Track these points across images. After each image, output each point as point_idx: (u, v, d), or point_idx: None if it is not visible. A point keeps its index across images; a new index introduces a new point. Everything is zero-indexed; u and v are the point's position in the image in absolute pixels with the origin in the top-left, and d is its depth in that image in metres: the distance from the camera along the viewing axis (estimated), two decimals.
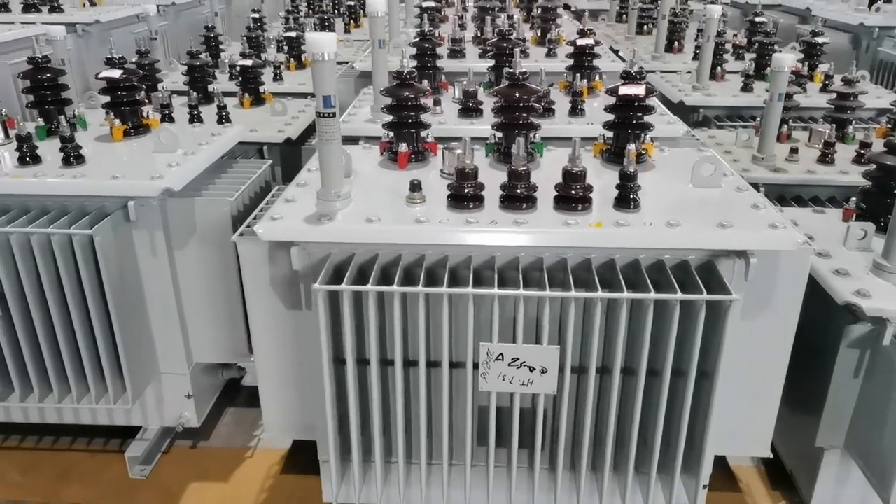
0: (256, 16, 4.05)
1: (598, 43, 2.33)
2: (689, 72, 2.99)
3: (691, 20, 4.23)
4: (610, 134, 1.72)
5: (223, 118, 2.41)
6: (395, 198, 1.48)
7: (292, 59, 3.40)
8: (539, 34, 3.11)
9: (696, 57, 3.48)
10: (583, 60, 2.36)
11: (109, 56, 1.96)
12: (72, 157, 1.69)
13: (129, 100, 1.94)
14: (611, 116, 1.69)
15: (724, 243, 1.34)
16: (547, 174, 1.49)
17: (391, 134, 1.72)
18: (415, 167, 1.69)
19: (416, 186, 1.43)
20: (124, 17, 3.78)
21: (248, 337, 1.89)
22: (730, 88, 2.93)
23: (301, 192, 1.52)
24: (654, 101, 1.79)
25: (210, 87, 2.74)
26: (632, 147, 1.60)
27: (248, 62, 2.73)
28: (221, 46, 3.49)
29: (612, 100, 1.68)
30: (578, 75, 2.15)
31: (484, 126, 2.06)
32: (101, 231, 1.56)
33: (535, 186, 1.41)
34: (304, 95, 2.95)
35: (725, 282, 1.27)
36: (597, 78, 2.41)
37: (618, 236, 1.32)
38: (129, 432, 2.01)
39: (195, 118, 2.41)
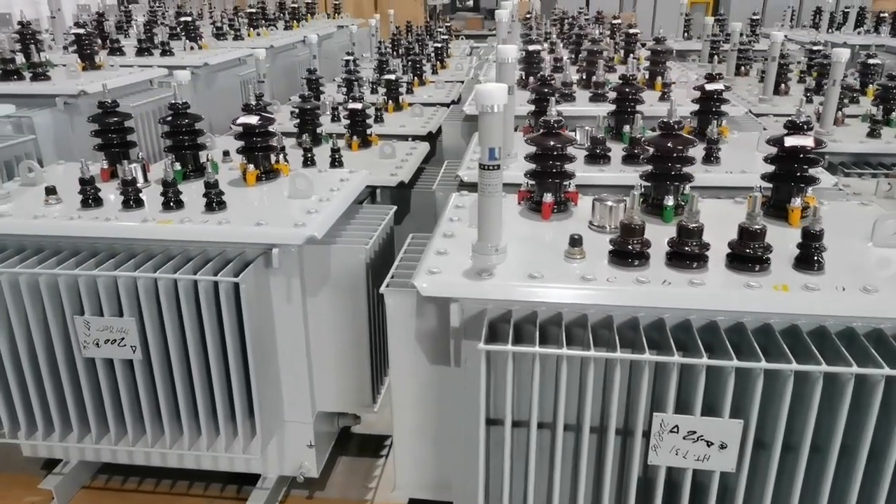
0: (350, 58, 4.14)
1: (727, 87, 2.24)
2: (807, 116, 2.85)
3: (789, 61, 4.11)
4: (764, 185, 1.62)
5: (336, 161, 2.42)
6: (550, 252, 1.41)
7: (390, 101, 3.43)
8: (647, 77, 3.04)
9: (808, 100, 3.35)
10: (710, 105, 2.27)
11: (247, 102, 1.99)
12: (215, 203, 1.70)
13: (263, 145, 1.95)
14: (766, 167, 1.60)
15: None
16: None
17: (531, 182, 1.67)
18: (557, 218, 1.63)
19: (576, 241, 1.37)
20: (229, 60, 3.91)
21: (374, 387, 1.86)
22: (853, 133, 2.78)
23: (450, 244, 1.47)
24: None
25: (318, 130, 2.77)
26: (797, 202, 1.50)
27: (358, 105, 2.75)
28: (322, 88, 3.56)
29: (766, 150, 1.58)
30: (715, 122, 2.06)
31: (613, 174, 2.00)
32: (246, 279, 1.55)
33: (707, 244, 1.32)
34: (405, 137, 2.96)
35: None
36: (723, 123, 2.32)
37: (808, 301, 1.22)
38: (243, 478, 1.98)
39: (309, 161, 2.43)
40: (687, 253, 1.31)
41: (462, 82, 4.21)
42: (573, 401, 1.29)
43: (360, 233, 1.82)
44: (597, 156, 2.05)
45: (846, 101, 3.19)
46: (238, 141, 1.97)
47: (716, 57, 4.91)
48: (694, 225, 1.31)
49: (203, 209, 1.70)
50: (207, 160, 2.03)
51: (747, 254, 1.29)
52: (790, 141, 1.52)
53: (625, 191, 1.92)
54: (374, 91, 3.83)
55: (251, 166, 1.93)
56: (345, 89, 3.58)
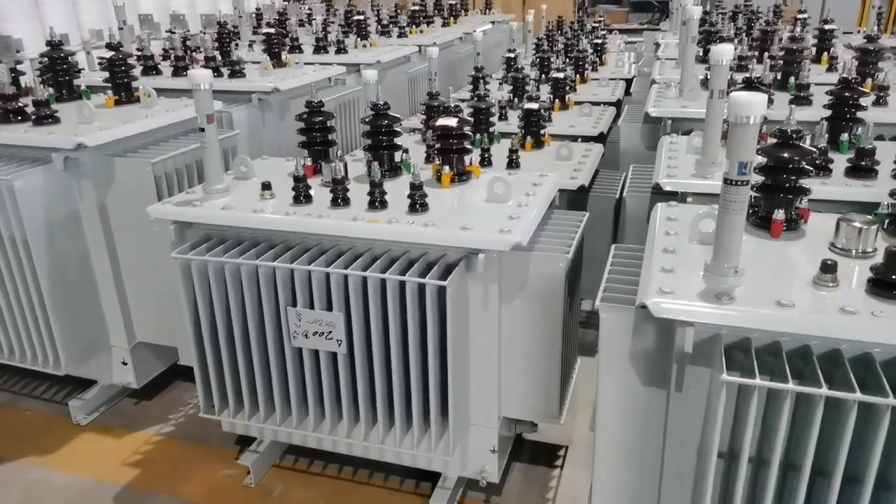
0: (512, 55, 4.10)
1: None
2: None
3: None
4: None
5: (513, 162, 2.38)
6: (791, 276, 1.29)
7: (557, 101, 3.35)
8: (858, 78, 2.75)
9: None
10: None
11: (447, 105, 1.99)
12: (418, 204, 1.71)
13: (459, 147, 1.95)
14: None
15: None
16: None
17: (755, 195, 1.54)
18: (788, 237, 1.49)
19: (829, 268, 1.23)
20: (399, 58, 3.99)
21: (561, 398, 1.81)
22: None
23: (673, 260, 1.38)
24: None
25: (491, 129, 2.75)
26: None
27: (534, 105, 2.70)
28: (486, 87, 3.55)
29: None
30: None
31: (837, 188, 1.81)
32: (452, 283, 1.55)
33: None
34: (574, 138, 2.87)
35: None
36: None
37: None
38: (421, 474, 2.00)
39: (486, 161, 2.41)
40: None
41: (629, 80, 4.05)
42: (823, 444, 1.16)
43: (557, 240, 1.77)
44: (817, 167, 1.86)
45: None
46: (435, 142, 1.97)
47: None
48: None
49: (407, 210, 1.72)
50: (402, 160, 2.07)
51: None
52: None
53: (852, 207, 1.75)
54: (536, 90, 3.77)
55: (446, 168, 1.94)
56: (509, 87, 3.54)
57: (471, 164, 2.03)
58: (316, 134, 2.03)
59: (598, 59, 4.56)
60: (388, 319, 1.61)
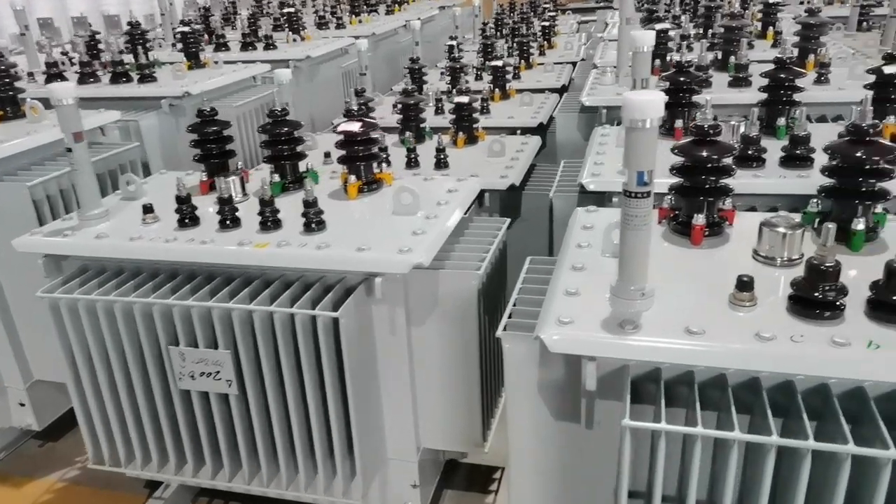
0: (453, 43, 3.92)
1: None
2: None
3: None
4: None
5: (441, 162, 2.23)
6: (707, 293, 1.14)
7: (497, 90, 3.19)
8: (797, 55, 2.62)
9: None
10: (889, 92, 1.87)
11: (349, 108, 1.82)
12: (314, 223, 1.54)
13: (366, 154, 1.78)
14: None
15: None
16: None
17: (672, 199, 1.40)
18: (710, 243, 1.35)
19: (746, 285, 1.09)
20: (332, 51, 3.79)
21: (484, 424, 1.66)
22: None
23: (581, 280, 1.23)
24: None
25: (422, 125, 2.59)
26: None
27: (464, 98, 2.53)
28: (425, 78, 3.38)
29: None
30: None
31: (771, 180, 1.67)
32: (346, 312, 1.39)
33: None
34: (513, 130, 2.72)
35: None
36: None
37: None
38: None
39: (413, 162, 2.25)
40: None
41: (574, 64, 3.88)
42: (745, 485, 1.03)
43: (471, 253, 1.61)
44: (749, 158, 1.73)
45: None
46: (339, 149, 1.80)
47: (865, 24, 4.32)
48: None
49: (301, 229, 1.55)
50: (307, 169, 1.89)
51: None
52: None
53: (789, 200, 1.62)
54: (478, 78, 3.60)
55: (353, 177, 1.77)
56: (449, 78, 3.37)
57: (381, 171, 1.86)
58: (210, 146, 1.85)
59: (545, 42, 4.39)
60: (280, 355, 1.45)
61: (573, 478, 1.27)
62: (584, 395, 1.16)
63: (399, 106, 2.59)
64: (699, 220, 1.32)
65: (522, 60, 3.79)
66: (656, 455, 1.01)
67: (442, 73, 3.72)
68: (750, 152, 1.72)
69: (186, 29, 3.10)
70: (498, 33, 4.89)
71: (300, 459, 1.53)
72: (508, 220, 1.82)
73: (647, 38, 1.65)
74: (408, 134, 2.43)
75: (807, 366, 0.98)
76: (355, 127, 1.74)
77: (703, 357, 1.02)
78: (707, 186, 1.33)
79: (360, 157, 1.77)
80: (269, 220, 1.56)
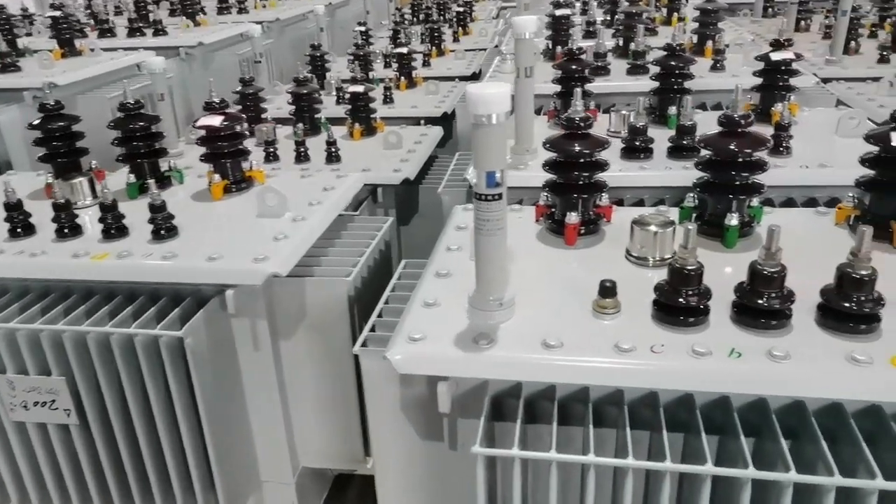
0: (362, 28, 3.76)
1: (798, 56, 1.82)
2: (892, 82, 2.39)
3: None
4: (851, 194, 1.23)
5: (332, 156, 2.09)
6: (573, 300, 1.06)
7: (403, 78, 3.06)
8: (695, 41, 2.60)
9: (881, 59, 2.87)
10: (776, 79, 1.85)
11: (209, 100, 1.66)
12: (162, 229, 1.39)
13: (232, 150, 1.63)
14: (849, 155, 1.20)
15: None
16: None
17: (549, 196, 1.32)
18: (585, 242, 1.27)
19: (608, 291, 1.01)
20: (228, 38, 3.57)
21: (365, 438, 1.55)
22: None
23: (443, 288, 1.13)
24: None
25: (317, 116, 2.44)
26: None
27: (360, 88, 2.40)
28: (327, 66, 3.21)
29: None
30: (785, 104, 1.65)
31: (657, 172, 1.62)
32: (192, 330, 1.24)
33: (791, 295, 0.95)
34: (417, 120, 2.61)
35: None
36: (790, 98, 1.90)
37: None
38: None
39: (302, 156, 2.11)
40: (763, 309, 0.95)
41: (486, 50, 3.79)
42: None
43: (345, 257, 1.49)
44: (636, 149, 1.67)
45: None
46: (201, 146, 1.65)
47: (770, 10, 4.40)
48: (772, 269, 0.94)
49: (150, 237, 1.39)
50: (171, 168, 1.73)
51: (850, 310, 0.92)
52: None
53: (674, 193, 1.57)
54: (387, 66, 3.46)
55: (217, 176, 1.61)
56: (354, 66, 3.22)
57: (252, 167, 1.71)
58: (56, 143, 1.66)
59: (461, 28, 4.28)
60: (122, 380, 1.29)
61: (444, 500, 1.18)
62: (444, 416, 1.07)
63: (291, 97, 2.44)
64: (572, 218, 1.24)
65: (434, 47, 3.67)
66: (510, 482, 0.93)
67: (350, 62, 3.57)
68: (637, 143, 1.66)
69: (58, 13, 2.83)
70: (415, 19, 4.76)
71: (156, 494, 1.39)
72: (391, 219, 1.70)
73: (528, 25, 1.56)
74: (299, 126, 2.28)
75: (665, 379, 0.91)
76: (216, 121, 1.59)
77: (557, 373, 0.93)
78: (580, 183, 1.25)
79: (224, 153, 1.62)
80: (112, 228, 1.40)
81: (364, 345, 1.17)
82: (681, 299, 0.97)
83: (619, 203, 1.64)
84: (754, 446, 0.95)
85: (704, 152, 1.25)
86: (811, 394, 0.88)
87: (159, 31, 3.43)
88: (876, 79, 2.45)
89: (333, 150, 2.11)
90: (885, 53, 2.87)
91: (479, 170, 0.94)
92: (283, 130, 2.27)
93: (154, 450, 1.35)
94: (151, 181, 1.41)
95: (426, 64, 3.41)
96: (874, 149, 1.18)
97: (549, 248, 1.26)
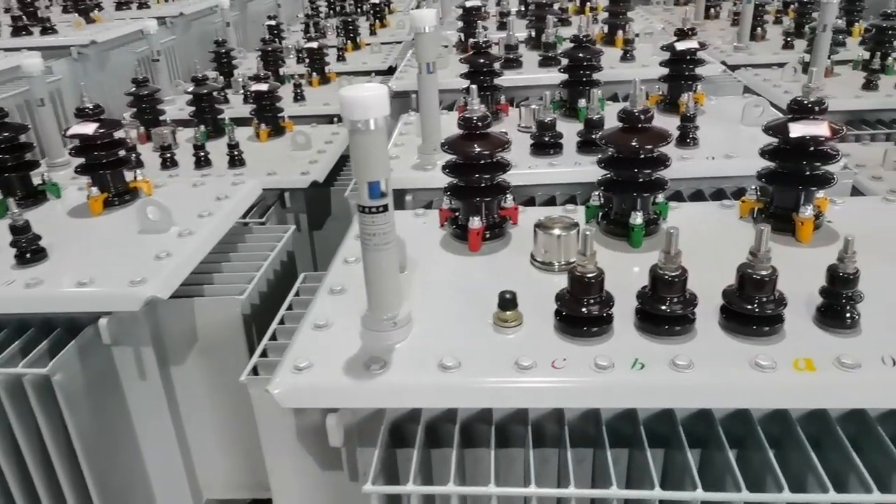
0: (273, 23, 3.61)
1: (702, 45, 1.81)
2: (796, 67, 2.44)
3: None
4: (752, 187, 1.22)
5: (235, 160, 1.97)
6: (475, 313, 1.00)
7: (314, 74, 2.94)
8: (606, 31, 2.59)
9: (786, 45, 2.95)
10: (682, 69, 1.84)
11: (81, 106, 1.51)
12: (27, 252, 1.24)
13: (110, 160, 1.49)
14: (753, 145, 1.19)
15: None
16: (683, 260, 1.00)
17: (452, 201, 1.25)
18: (490, 248, 1.21)
19: (508, 303, 0.95)
20: (124, 36, 3.35)
21: None
22: (847, 86, 2.36)
23: (337, 306, 1.05)
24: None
25: (220, 117, 2.31)
26: (808, 212, 1.10)
27: (264, 86, 2.27)
28: (235, 62, 3.05)
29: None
30: (690, 94, 1.63)
31: (567, 168, 1.58)
32: (62, 366, 1.11)
33: (694, 299, 0.91)
34: (329, 119, 2.50)
35: None
36: (697, 88, 1.89)
37: (843, 387, 0.83)
38: None
39: (202, 161, 1.98)
40: (665, 315, 0.91)
41: (402, 43, 3.70)
42: None
43: (240, 273, 1.39)
44: (545, 145, 1.62)
45: (831, 44, 2.80)
46: (76, 158, 1.50)
47: None
48: (673, 274, 0.90)
49: (14, 262, 1.25)
50: (43, 182, 1.57)
51: (752, 313, 0.89)
52: (797, 130, 1.10)
53: (585, 189, 1.53)
54: (300, 61, 3.32)
55: (94, 189, 1.47)
56: (262, 63, 3.07)
57: (136, 177, 1.57)
58: None
59: (377, 20, 4.16)
60: None
61: None
62: (343, 444, 0.99)
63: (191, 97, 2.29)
64: (475, 223, 1.18)
65: (349, 41, 3.55)
66: None
67: (258, 60, 3.41)
68: (546, 139, 1.62)
69: None
70: (330, 11, 4.60)
71: None
72: (292, 228, 1.60)
73: (427, 18, 1.49)
74: (198, 129, 2.14)
75: (567, 397, 0.86)
76: (90, 129, 1.45)
77: (454, 396, 0.87)
78: (482, 185, 1.19)
79: (102, 164, 1.48)
80: None
81: (255, 372, 1.08)
82: (583, 309, 0.91)
83: (531, 202, 1.59)
84: (664, 458, 0.91)
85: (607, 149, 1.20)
86: (716, 404, 0.85)
87: (48, 29, 3.19)
88: (781, 64, 2.50)
89: (236, 153, 1.99)
90: (789, 39, 2.94)
91: (361, 181, 0.86)
92: (188, 133, 2.13)
93: (27, 499, 1.21)
94: (11, 199, 1.26)
95: (341, 59, 3.30)
96: (774, 140, 1.16)
97: (453, 256, 1.19)
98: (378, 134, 0.83)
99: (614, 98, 2.19)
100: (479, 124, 1.16)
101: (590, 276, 0.91)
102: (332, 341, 0.96)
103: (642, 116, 1.13)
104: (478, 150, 1.16)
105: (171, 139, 2.11)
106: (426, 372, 0.88)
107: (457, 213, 1.25)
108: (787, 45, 2.94)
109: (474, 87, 1.21)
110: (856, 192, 1.65)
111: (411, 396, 0.87)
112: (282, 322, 1.19)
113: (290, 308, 1.23)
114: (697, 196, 1.56)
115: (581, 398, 0.85)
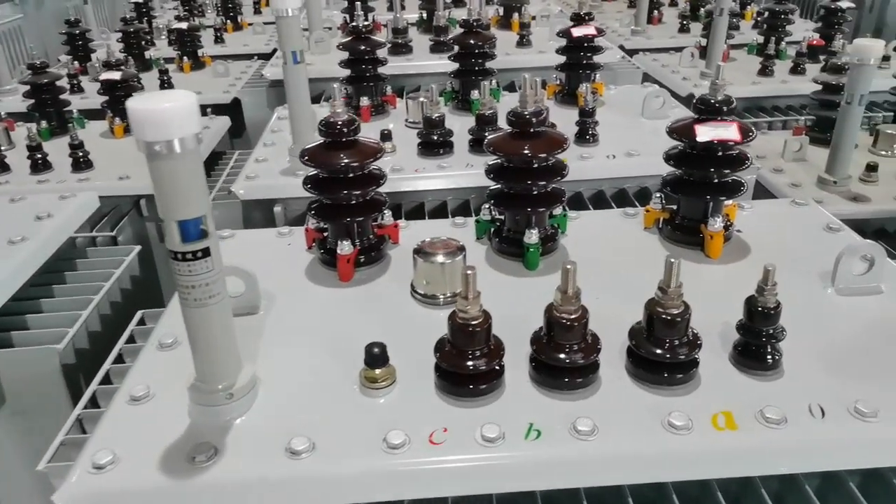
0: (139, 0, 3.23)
1: (600, 31, 1.68)
2: (693, 52, 2.37)
3: None
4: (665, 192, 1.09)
5: (80, 162, 1.68)
6: (339, 368, 0.81)
7: (186, 58, 2.64)
8: (501, 13, 2.44)
9: (682, 28, 2.90)
10: (580, 57, 1.71)
11: None
12: None
13: None
14: (656, 141, 1.06)
15: None
16: (582, 281, 0.86)
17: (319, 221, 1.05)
18: (366, 275, 1.02)
19: (376, 359, 0.77)
20: None
21: None
22: (743, 71, 2.31)
23: (165, 367, 0.83)
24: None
25: (67, 110, 1.99)
26: (717, 224, 0.99)
27: (116, 74, 1.99)
28: (92, 45, 2.70)
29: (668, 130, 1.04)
30: (588, 86, 1.49)
31: (457, 171, 1.41)
32: None
33: (597, 344, 0.76)
34: (203, 110, 2.23)
35: None
36: (596, 77, 1.77)
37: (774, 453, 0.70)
38: None
39: (40, 165, 1.68)
40: (564, 366, 0.75)
41: None
42: None
43: (62, 313, 1.13)
44: (434, 144, 1.45)
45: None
46: None
47: None
48: (571, 317, 0.74)
49: None
50: None
51: (663, 359, 0.75)
52: (705, 134, 0.98)
53: (480, 193, 1.37)
54: (172, 43, 2.99)
55: None
56: (123, 45, 2.72)
57: None
58: None
59: None
60: None
61: None
62: None
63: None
64: (344, 248, 0.98)
65: (229, 20, 3.24)
66: None
67: (176, 9, 3.09)
68: (434, 137, 1.44)
69: None
70: None
71: None
72: (136, 249, 1.35)
73: (289, 2, 1.27)
74: (34, 127, 1.82)
75: (449, 482, 0.69)
76: None
77: (303, 492, 0.68)
78: (352, 203, 1.00)
79: None
80: None
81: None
82: (467, 363, 0.75)
83: (419, 209, 1.42)
84: None
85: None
86: (624, 480, 0.70)
87: None
88: (679, 49, 2.44)
89: (80, 154, 1.70)
90: (685, 22, 2.90)
91: (168, 219, 0.64)
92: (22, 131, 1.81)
93: None
94: None
95: (219, 40, 2.99)
96: (679, 144, 1.03)
97: (320, 288, 0.99)
98: (187, 158, 0.62)
99: (511, 87, 2.04)
100: (344, 130, 0.96)
101: (474, 322, 0.74)
102: (151, 421, 0.74)
103: (534, 120, 0.96)
104: (346, 161, 0.96)
105: (4, 138, 1.80)
106: (269, 460, 0.69)
107: (325, 234, 1.05)
108: (684, 29, 2.90)
109: (338, 84, 1.00)
110: (758, 186, 1.58)
111: (248, 496, 0.67)
112: (107, 380, 0.95)
113: (118, 360, 0.99)
114: (598, 198, 1.44)
115: (463, 483, 0.68)
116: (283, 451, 0.69)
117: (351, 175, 0.98)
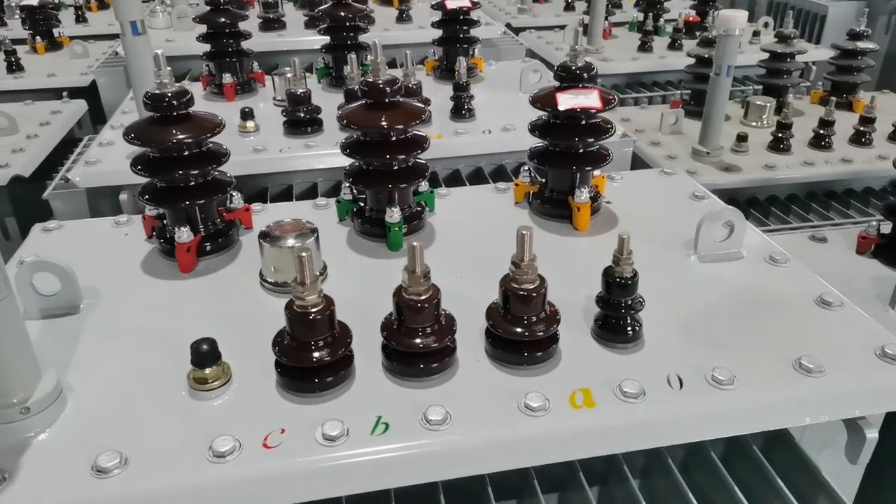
0: None
1: (475, 4, 1.63)
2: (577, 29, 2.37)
3: None
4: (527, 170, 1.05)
5: None
6: (170, 372, 0.72)
7: (39, 38, 2.40)
8: None
9: (568, 6, 2.92)
10: (456, 30, 1.65)
11: None
12: None
13: None
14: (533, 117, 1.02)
15: None
16: (449, 260, 0.81)
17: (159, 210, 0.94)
18: (211, 265, 0.93)
19: (205, 357, 0.68)
20: None
21: None
22: (624, 48, 2.34)
23: None
24: None
25: None
26: (584, 195, 0.96)
27: (34, 1, 1.88)
28: None
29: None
30: (462, 60, 1.44)
31: (326, 150, 1.32)
32: None
33: (452, 325, 0.71)
34: (58, 92, 2.03)
35: None
36: (475, 52, 1.72)
37: None
38: None
39: None
40: (416, 352, 0.69)
41: None
42: None
43: None
44: (300, 122, 1.35)
45: (609, 5, 2.81)
46: None
47: None
48: (420, 299, 0.68)
49: None
50: None
51: (521, 337, 0.71)
52: (566, 102, 0.94)
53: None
54: (24, 22, 2.71)
55: None
56: None
57: None
58: None
59: None
60: None
61: None
62: None
63: None
64: (182, 236, 0.88)
65: None
66: None
67: None
68: (301, 115, 1.35)
69: None
70: None
71: None
72: None
73: None
74: None
75: (284, 490, 0.61)
76: None
77: None
78: (190, 184, 0.89)
79: None
80: None
81: None
82: (311, 354, 0.67)
83: (288, 192, 1.32)
84: None
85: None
86: (478, 469, 0.65)
87: None
88: (564, 26, 2.44)
89: None
90: (570, 1, 2.92)
91: None
92: None
93: None
94: None
95: (81, 19, 2.74)
96: (543, 114, 0.99)
97: (157, 281, 0.89)
98: None
99: (392, 64, 1.96)
100: (174, 103, 0.86)
101: (314, 310, 0.66)
102: None
103: (388, 89, 0.90)
104: (180, 137, 0.86)
105: None
106: (70, 482, 0.59)
107: (164, 222, 0.94)
108: (569, 7, 2.91)
109: (160, 51, 0.89)
110: (636, 158, 1.58)
111: None
112: None
113: None
114: (477, 174, 1.39)
115: (301, 489, 0.61)
116: (88, 469, 0.60)
117: (186, 153, 0.88)
